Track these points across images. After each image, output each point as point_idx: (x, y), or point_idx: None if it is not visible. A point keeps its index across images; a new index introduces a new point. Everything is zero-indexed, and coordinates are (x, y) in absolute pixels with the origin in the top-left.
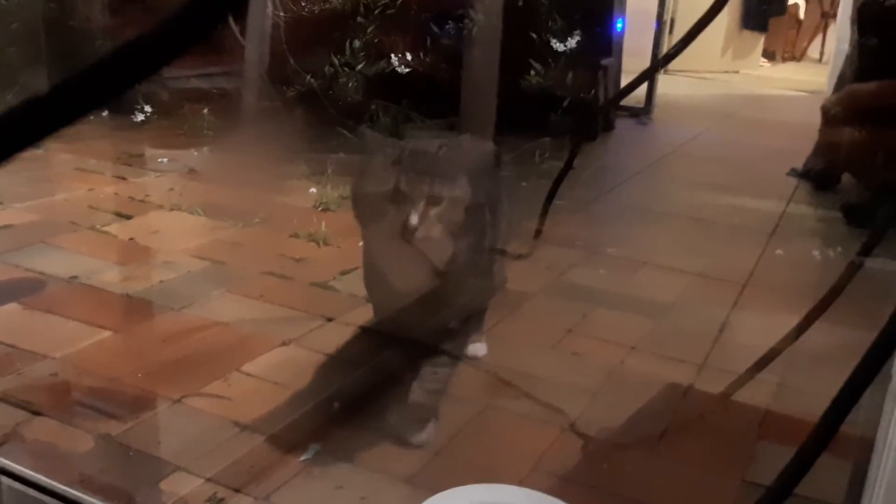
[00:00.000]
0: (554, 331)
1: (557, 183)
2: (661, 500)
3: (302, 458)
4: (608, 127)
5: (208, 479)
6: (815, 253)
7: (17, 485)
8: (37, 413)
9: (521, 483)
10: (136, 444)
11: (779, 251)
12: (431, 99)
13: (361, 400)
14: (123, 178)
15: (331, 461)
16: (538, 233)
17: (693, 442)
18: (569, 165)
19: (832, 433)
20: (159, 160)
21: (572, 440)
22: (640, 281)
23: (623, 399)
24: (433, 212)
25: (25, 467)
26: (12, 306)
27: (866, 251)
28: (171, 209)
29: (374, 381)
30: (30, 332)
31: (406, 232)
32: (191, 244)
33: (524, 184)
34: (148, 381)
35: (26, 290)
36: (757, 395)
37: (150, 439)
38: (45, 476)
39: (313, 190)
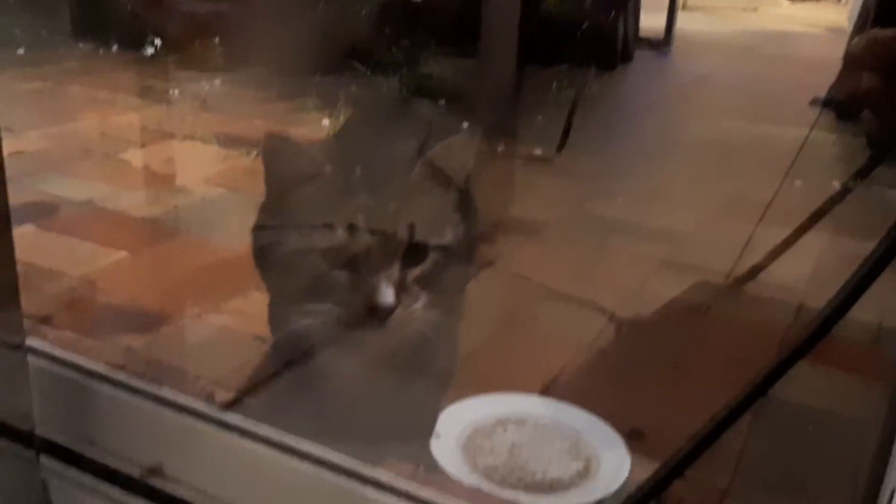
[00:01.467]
0: (573, 258)
1: (574, 105)
2: (678, 416)
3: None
4: (627, 58)
5: (229, 387)
6: (835, 184)
7: (45, 362)
8: (57, 328)
9: (541, 394)
10: (158, 356)
11: (798, 182)
12: (448, 27)
13: None
14: (135, 109)
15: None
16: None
17: (713, 361)
18: (581, 90)
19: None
20: (171, 92)
21: (595, 356)
22: (659, 209)
23: (644, 320)
24: (414, 274)
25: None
26: (27, 227)
27: (863, 174)
28: (184, 139)
29: None
30: (46, 252)
31: (376, 314)
32: (205, 172)
33: (540, 117)
34: (167, 299)
35: (41, 212)
36: (778, 317)
37: (171, 351)
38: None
39: (326, 121)
